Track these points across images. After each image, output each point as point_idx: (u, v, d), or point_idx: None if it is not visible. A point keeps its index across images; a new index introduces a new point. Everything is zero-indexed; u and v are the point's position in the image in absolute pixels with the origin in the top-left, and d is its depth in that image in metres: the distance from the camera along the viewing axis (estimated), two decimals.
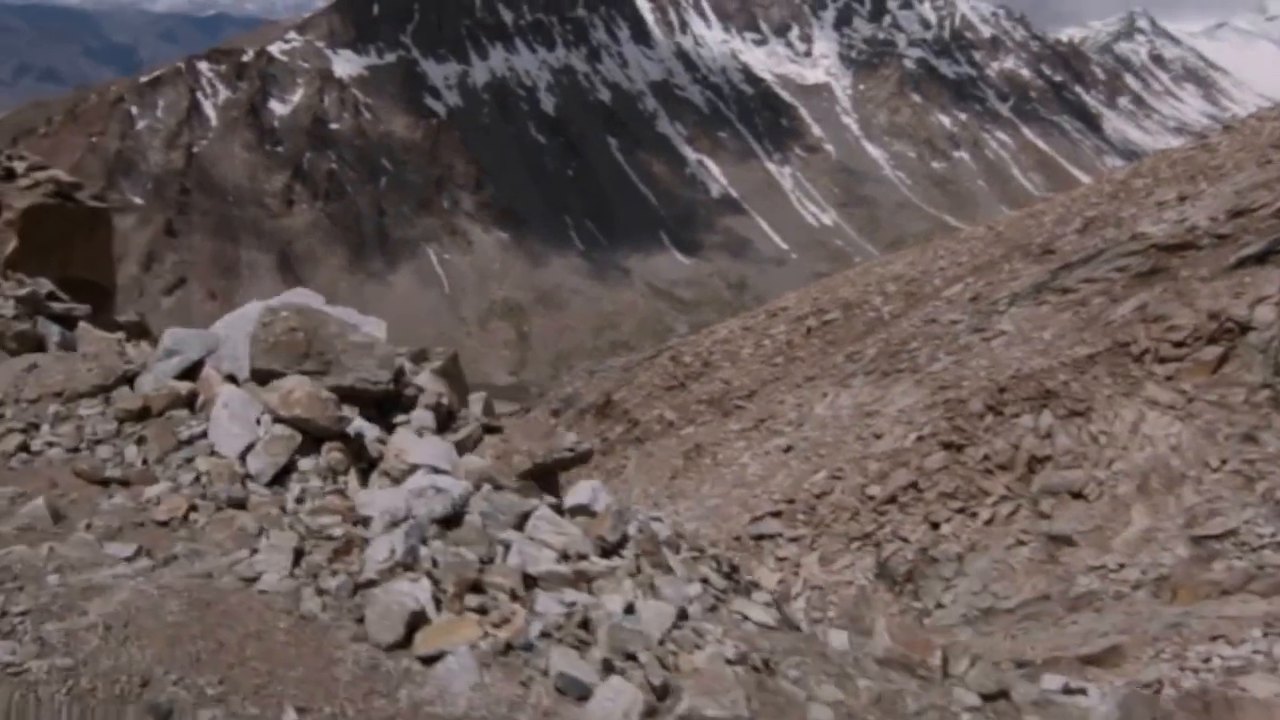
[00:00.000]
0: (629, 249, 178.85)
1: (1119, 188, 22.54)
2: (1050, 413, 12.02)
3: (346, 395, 4.33)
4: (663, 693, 2.88)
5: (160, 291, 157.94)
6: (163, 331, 4.84)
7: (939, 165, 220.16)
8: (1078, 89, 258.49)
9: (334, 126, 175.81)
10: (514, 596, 3.19)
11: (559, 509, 4.24)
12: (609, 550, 3.77)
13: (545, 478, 4.39)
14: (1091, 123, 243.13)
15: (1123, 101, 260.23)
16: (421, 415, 4.44)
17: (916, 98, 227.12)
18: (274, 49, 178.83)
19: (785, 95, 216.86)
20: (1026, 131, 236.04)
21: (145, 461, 3.94)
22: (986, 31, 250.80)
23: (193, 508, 3.58)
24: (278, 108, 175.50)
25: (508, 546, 3.56)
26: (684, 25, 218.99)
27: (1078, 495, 10.86)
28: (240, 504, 3.67)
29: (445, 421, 4.49)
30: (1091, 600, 9.11)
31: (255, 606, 2.94)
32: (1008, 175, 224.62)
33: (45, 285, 5.85)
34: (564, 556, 3.60)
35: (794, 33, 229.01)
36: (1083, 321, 13.99)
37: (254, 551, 3.27)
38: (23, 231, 6.25)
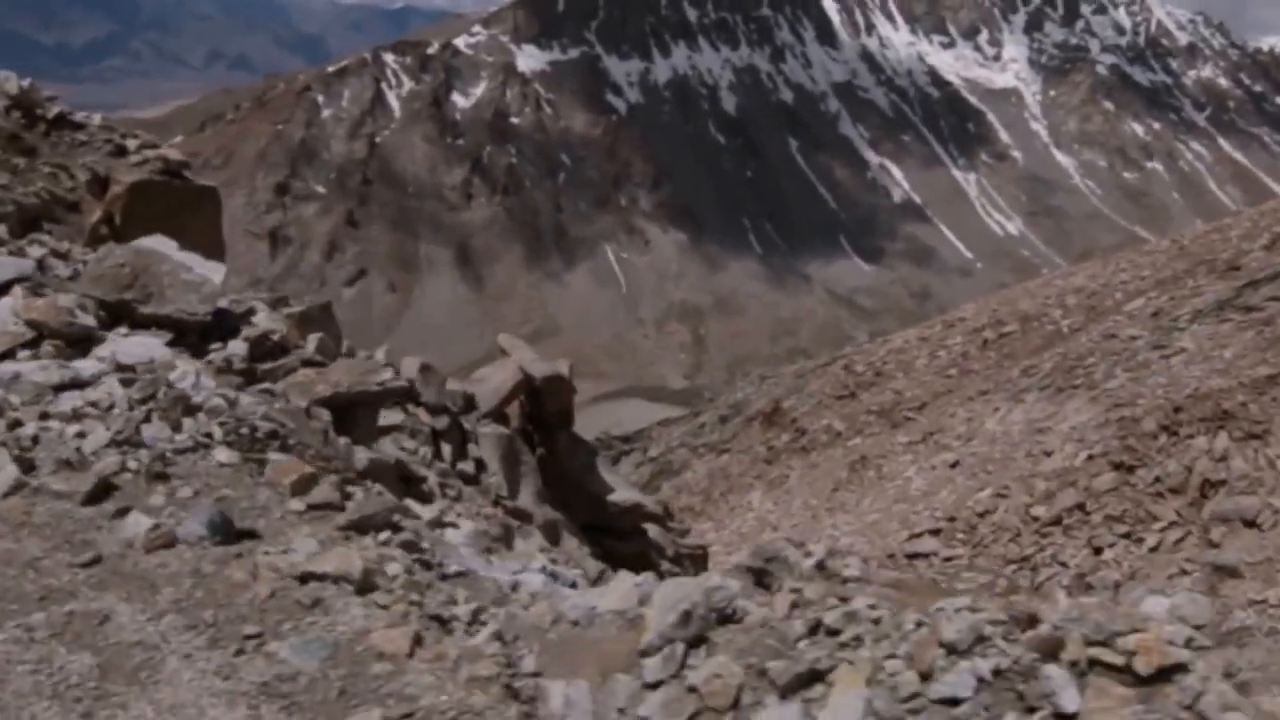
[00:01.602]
0: (808, 254, 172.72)
1: None
2: (1227, 435, 11.70)
3: (165, 323, 4.88)
4: None
5: (342, 282, 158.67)
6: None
7: (1131, 176, 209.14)
8: (1279, 100, 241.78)
9: (515, 121, 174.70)
10: None
11: None
12: None
13: (351, 408, 4.71)
14: None
15: None
16: (236, 346, 4.92)
17: (1109, 105, 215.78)
18: (459, 42, 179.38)
19: (972, 100, 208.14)
20: (1224, 143, 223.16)
21: None
22: (1183, 39, 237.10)
23: None
24: (460, 100, 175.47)
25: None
26: (870, 27, 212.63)
27: (1251, 524, 10.50)
28: None
29: (271, 353, 4.97)
30: (1241, 636, 8.80)
31: None
32: (1203, 188, 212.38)
33: None
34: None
35: (983, 36, 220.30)
36: (1266, 341, 13.73)
37: None
38: (128, 205, 6.73)
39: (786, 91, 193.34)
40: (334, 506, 3.57)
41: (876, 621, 2.45)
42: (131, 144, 7.28)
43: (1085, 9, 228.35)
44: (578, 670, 2.35)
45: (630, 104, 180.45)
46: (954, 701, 2.10)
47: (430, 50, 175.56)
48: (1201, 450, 11.51)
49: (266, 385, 4.63)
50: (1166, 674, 2.03)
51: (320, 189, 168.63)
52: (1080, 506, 11.94)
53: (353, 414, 4.46)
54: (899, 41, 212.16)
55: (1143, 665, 2.09)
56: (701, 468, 24.44)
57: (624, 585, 2.76)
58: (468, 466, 7.05)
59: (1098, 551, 11.27)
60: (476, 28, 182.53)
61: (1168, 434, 12.15)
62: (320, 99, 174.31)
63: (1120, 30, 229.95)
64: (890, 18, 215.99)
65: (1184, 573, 10.29)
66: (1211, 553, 10.36)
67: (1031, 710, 2.08)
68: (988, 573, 11.77)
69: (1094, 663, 2.16)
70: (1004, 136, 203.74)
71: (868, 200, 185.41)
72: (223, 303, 5.06)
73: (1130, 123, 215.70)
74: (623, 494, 7.83)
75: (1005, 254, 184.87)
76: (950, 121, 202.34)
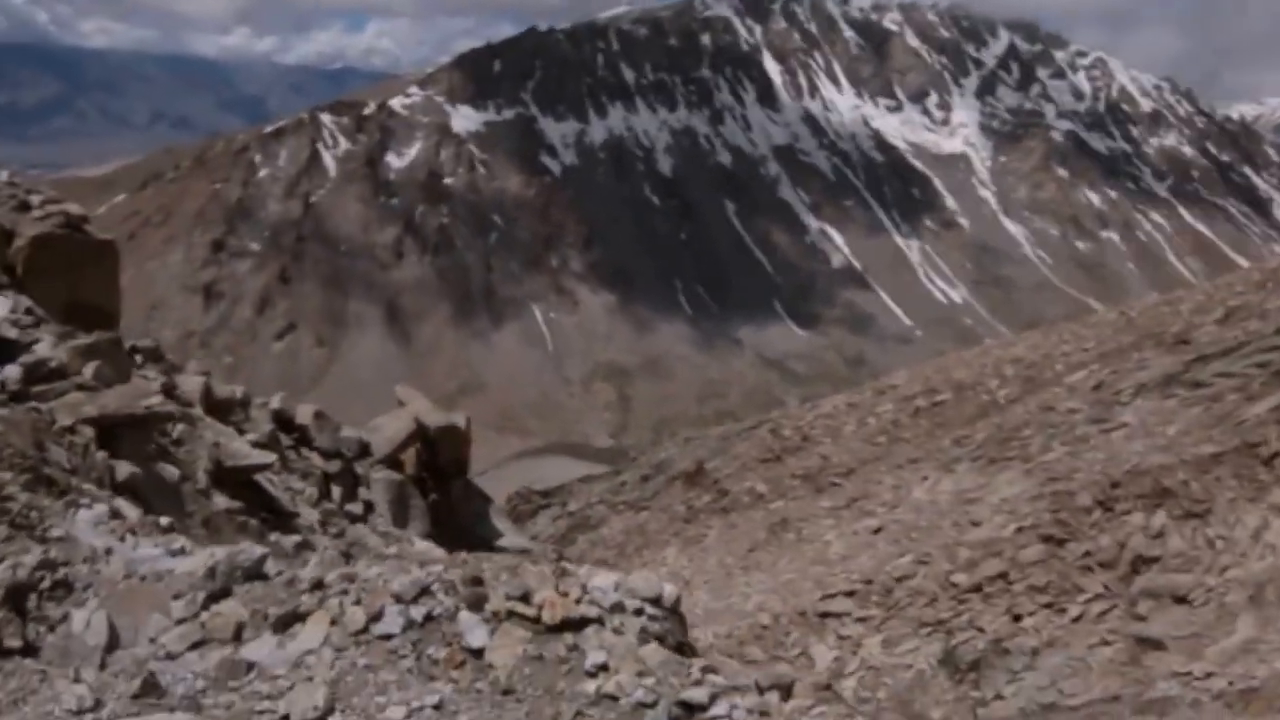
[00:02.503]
0: (741, 318, 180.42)
1: (1269, 277, 22.15)
2: (1165, 512, 11.71)
3: None
4: None
5: (271, 336, 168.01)
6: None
7: (1085, 245, 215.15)
8: (1247, 170, 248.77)
9: (448, 181, 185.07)
10: None
11: None
12: None
13: (118, 429, 5.12)
14: (1260, 207, 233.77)
15: None
16: (10, 370, 5.34)
17: (1063, 172, 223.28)
18: (395, 103, 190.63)
19: (918, 165, 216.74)
20: (1185, 213, 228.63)
21: None
22: (1147, 105, 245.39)
23: None
24: (394, 161, 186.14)
25: None
26: (813, 89, 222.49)
27: (1181, 600, 10.58)
28: None
29: (48, 378, 5.41)
30: (1164, 707, 8.65)
31: None
32: (1161, 259, 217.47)
33: None
34: None
35: (931, 100, 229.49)
36: (1213, 419, 13.63)
37: None
38: (30, 258, 7.31)
39: (725, 154, 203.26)
40: None
41: (352, 579, 3.35)
42: (35, 199, 7.77)
43: (1042, 73, 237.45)
44: (131, 610, 3.12)
45: (565, 165, 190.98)
46: (388, 636, 3.03)
47: (366, 111, 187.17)
48: (1137, 527, 11.56)
49: (34, 404, 4.98)
50: (572, 626, 3.01)
51: (255, 246, 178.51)
52: (1003, 575, 12.00)
53: (119, 434, 4.90)
54: (843, 105, 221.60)
55: (548, 617, 3.04)
56: (619, 524, 25.09)
57: (202, 554, 3.54)
58: (356, 508, 7.68)
59: (1017, 619, 11.31)
60: (413, 89, 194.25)
61: (1103, 509, 12.19)
62: (258, 158, 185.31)
63: (1079, 95, 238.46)
64: (835, 80, 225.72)
65: (1105, 643, 10.24)
66: (1137, 625, 10.34)
67: (449, 644, 2.95)
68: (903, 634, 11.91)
69: (511, 613, 3.13)
70: (951, 203, 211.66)
71: (806, 265, 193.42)
72: (11, 333, 5.49)
73: (1085, 191, 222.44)
74: (511, 539, 8.37)
75: (947, 322, 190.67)
76: (894, 187, 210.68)
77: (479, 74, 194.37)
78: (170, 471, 5.43)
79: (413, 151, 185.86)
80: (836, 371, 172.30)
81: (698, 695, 2.74)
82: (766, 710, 2.83)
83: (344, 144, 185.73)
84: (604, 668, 2.89)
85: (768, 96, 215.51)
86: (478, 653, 2.95)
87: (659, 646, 3.15)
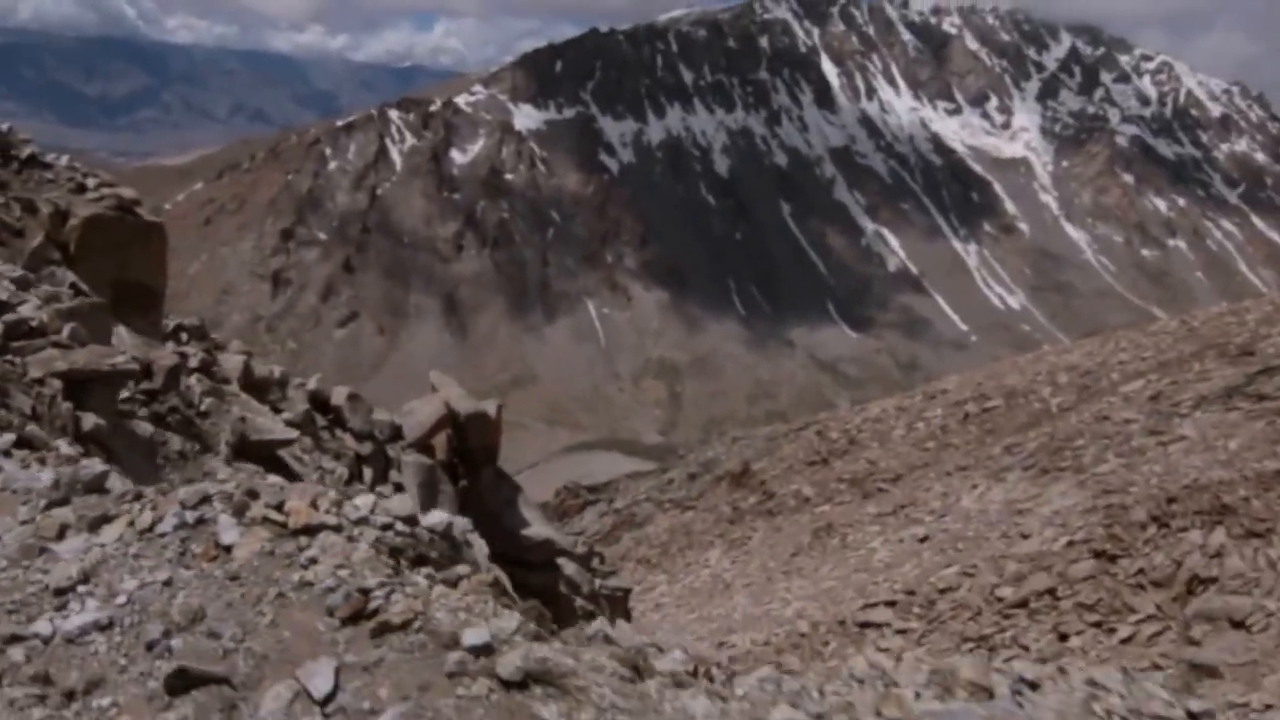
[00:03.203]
0: (793, 319, 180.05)
1: None
2: (1224, 530, 11.07)
3: None
4: None
5: (334, 323, 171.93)
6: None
7: (1150, 253, 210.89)
8: None
9: (509, 177, 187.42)
10: None
11: None
12: None
13: (87, 384, 5.42)
14: None
15: None
16: None
17: (1128, 178, 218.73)
18: (460, 100, 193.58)
19: (977, 168, 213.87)
20: (1257, 221, 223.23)
21: None
22: (1216, 110, 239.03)
23: None
24: (457, 156, 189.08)
25: None
26: (871, 91, 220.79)
27: (1238, 624, 9.86)
28: None
29: (27, 335, 5.68)
30: None
31: None
32: (1232, 269, 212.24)
33: None
34: None
35: (992, 103, 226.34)
36: (1277, 433, 13.16)
37: None
38: (81, 237, 7.69)
39: (781, 155, 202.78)
40: None
41: (164, 492, 3.79)
42: (91, 182, 8.08)
43: (1105, 77, 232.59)
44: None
45: (623, 164, 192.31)
46: (163, 534, 3.40)
47: (432, 108, 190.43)
48: (1194, 545, 11.05)
49: (9, 358, 5.29)
50: (310, 531, 3.48)
51: (322, 236, 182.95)
52: (1051, 591, 11.59)
53: (89, 388, 5.22)
54: (901, 107, 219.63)
55: (293, 523, 3.48)
56: (664, 522, 24.99)
57: (45, 471, 3.93)
58: (385, 489, 7.80)
59: (1063, 638, 10.88)
60: (477, 87, 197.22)
61: (1158, 525, 11.77)
62: (328, 151, 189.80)
63: (1144, 100, 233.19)
64: (892, 82, 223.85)
65: (1156, 667, 9.76)
66: (1190, 650, 9.84)
67: (209, 540, 3.37)
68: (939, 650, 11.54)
69: (265, 519, 3.50)
70: (1010, 207, 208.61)
71: (860, 268, 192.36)
72: (2, 295, 5.79)
73: (1152, 197, 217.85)
74: (538, 529, 8.44)
75: (1004, 328, 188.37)
76: (953, 190, 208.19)
77: (541, 74, 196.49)
78: (143, 428, 5.68)
79: (476, 148, 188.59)
80: (889, 375, 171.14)
81: (371, 581, 3.27)
82: (423, 597, 3.30)
83: (410, 139, 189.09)
84: (314, 561, 3.38)
85: (825, 98, 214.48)
86: (228, 548, 3.40)
87: (371, 550, 3.54)
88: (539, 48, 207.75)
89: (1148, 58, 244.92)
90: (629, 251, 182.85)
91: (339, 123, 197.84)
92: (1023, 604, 11.65)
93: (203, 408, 6.57)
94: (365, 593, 3.21)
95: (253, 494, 3.75)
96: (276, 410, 7.81)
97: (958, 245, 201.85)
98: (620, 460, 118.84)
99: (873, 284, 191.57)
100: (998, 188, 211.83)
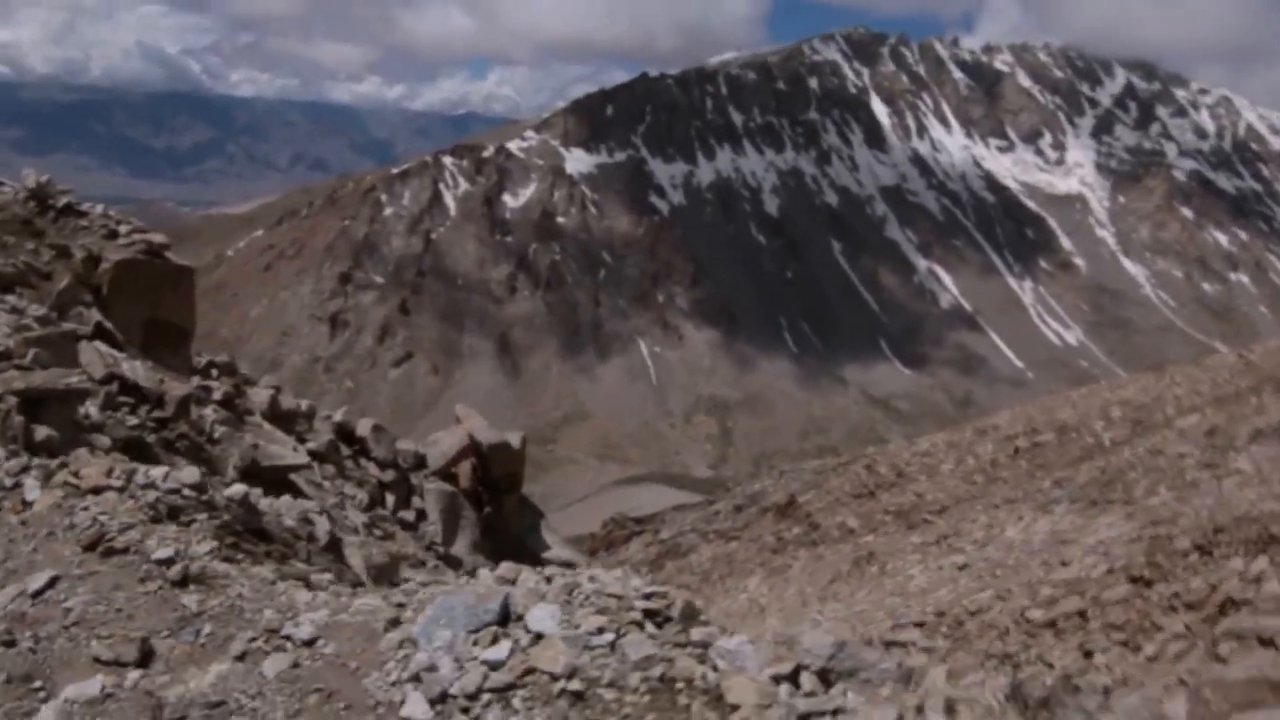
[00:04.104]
0: (846, 356, 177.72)
1: None
2: (1268, 558, 10.85)
3: None
4: None
5: (390, 363, 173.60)
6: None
7: (1211, 288, 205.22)
8: None
9: (561, 220, 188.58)
10: None
11: None
12: None
13: (44, 401, 5.79)
14: None
15: None
16: None
17: (1187, 212, 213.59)
18: (512, 145, 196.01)
19: (1031, 205, 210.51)
20: None
21: None
22: (1276, 143, 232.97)
23: None
24: (510, 201, 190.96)
25: None
26: (922, 130, 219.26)
27: (1267, 643, 9.57)
28: None
29: None
30: None
31: None
32: None
33: None
34: None
35: (1045, 140, 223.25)
36: None
37: None
38: (113, 280, 8.15)
39: (831, 194, 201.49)
40: None
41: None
42: (123, 229, 8.51)
43: (1162, 112, 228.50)
44: None
45: (673, 205, 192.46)
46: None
47: (485, 154, 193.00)
48: (1234, 571, 10.74)
49: None
50: (97, 491, 4.36)
51: (378, 279, 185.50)
52: (1081, 613, 11.41)
53: (46, 405, 5.57)
54: (952, 145, 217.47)
55: (83, 485, 4.31)
56: (708, 551, 25.23)
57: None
58: (408, 515, 8.05)
59: (1088, 655, 10.71)
60: (529, 132, 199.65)
61: (1200, 553, 11.46)
62: (384, 198, 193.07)
63: (1202, 134, 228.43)
64: (944, 121, 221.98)
65: (1183, 683, 9.49)
66: (1217, 668, 9.47)
67: (18, 498, 4.29)
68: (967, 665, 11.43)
69: (65, 483, 4.44)
70: (1066, 244, 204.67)
71: (913, 305, 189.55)
72: None
73: (1212, 231, 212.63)
74: (559, 552, 8.68)
75: (1061, 365, 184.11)
76: (1007, 227, 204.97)
77: (592, 118, 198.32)
78: (101, 440, 5.96)
79: (528, 192, 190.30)
80: (944, 412, 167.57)
81: (114, 523, 4.17)
82: (148, 531, 4.24)
83: (464, 185, 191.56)
84: (86, 510, 4.22)
85: (875, 138, 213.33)
86: (30, 503, 4.30)
87: (135, 504, 4.35)
88: (590, 93, 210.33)
89: (1205, 92, 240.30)
90: (680, 291, 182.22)
91: (394, 170, 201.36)
92: (1050, 624, 11.57)
93: (215, 435, 6.98)
94: (103, 528, 4.08)
95: (62, 465, 4.65)
96: (302, 440, 8.24)
97: (1012, 282, 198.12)
98: (669, 493, 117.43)
99: (926, 321, 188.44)
100: (1053, 224, 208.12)
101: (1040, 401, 28.43)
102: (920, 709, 3.39)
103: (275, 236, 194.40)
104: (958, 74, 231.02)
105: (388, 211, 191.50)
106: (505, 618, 3.57)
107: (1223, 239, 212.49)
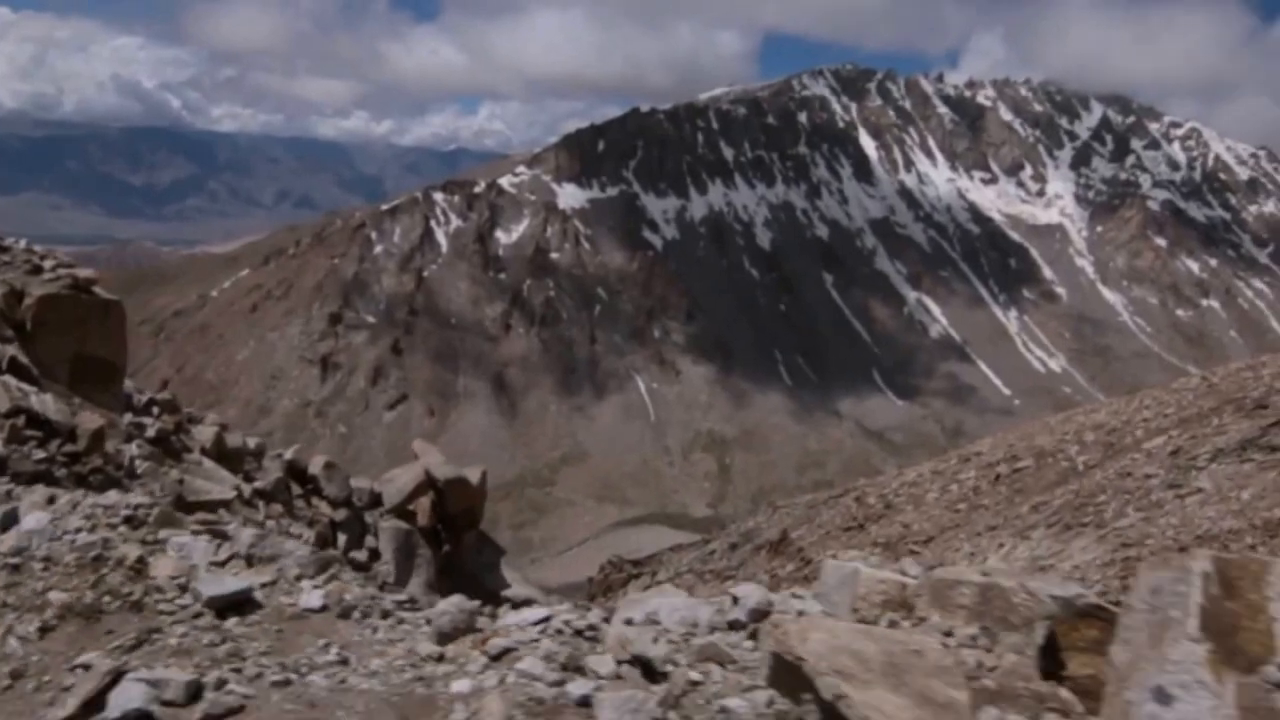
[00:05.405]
0: (840, 389, 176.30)
1: None
2: None
3: None
4: None
5: (384, 406, 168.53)
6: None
7: (1185, 313, 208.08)
8: None
9: (554, 256, 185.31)
10: None
11: None
12: None
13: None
14: None
15: None
16: None
17: (1161, 241, 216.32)
18: (504, 181, 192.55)
19: (1015, 236, 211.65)
20: None
21: None
22: (1244, 173, 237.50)
23: None
24: (503, 237, 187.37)
25: None
26: (909, 164, 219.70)
27: None
28: None
29: None
30: None
31: None
32: (1264, 326, 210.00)
33: None
34: None
35: (1026, 172, 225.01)
36: None
37: None
38: (37, 315, 8.07)
39: (822, 227, 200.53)
40: None
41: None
42: (48, 264, 8.50)
43: (1136, 144, 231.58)
44: None
45: (666, 240, 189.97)
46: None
47: (476, 189, 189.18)
48: None
49: None
50: None
51: (370, 319, 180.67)
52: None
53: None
54: (938, 178, 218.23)
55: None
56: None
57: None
58: (360, 555, 7.93)
59: None
60: (520, 168, 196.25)
61: None
62: (373, 235, 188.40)
63: (1174, 166, 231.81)
64: (929, 154, 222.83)
65: None
66: None
67: None
68: None
69: None
70: (1048, 273, 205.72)
71: (904, 337, 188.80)
72: None
73: (1184, 259, 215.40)
74: (518, 590, 8.63)
75: (1046, 392, 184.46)
76: (991, 258, 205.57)
77: (584, 153, 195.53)
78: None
79: (520, 228, 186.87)
80: (935, 442, 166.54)
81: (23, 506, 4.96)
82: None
83: (455, 221, 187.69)
84: None
85: (863, 171, 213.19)
86: None
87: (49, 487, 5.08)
88: (581, 128, 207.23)
89: (1177, 125, 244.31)
90: (675, 326, 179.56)
91: (384, 206, 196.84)
92: None
93: (137, 470, 6.95)
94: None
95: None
96: (249, 479, 8.12)
97: (998, 311, 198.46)
98: (667, 534, 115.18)
99: (917, 352, 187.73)
100: (1035, 254, 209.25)
101: (1020, 428, 29.51)
102: None
103: (261, 276, 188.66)
104: (942, 108, 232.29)
105: (378, 249, 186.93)
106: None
107: (1194, 266, 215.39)
